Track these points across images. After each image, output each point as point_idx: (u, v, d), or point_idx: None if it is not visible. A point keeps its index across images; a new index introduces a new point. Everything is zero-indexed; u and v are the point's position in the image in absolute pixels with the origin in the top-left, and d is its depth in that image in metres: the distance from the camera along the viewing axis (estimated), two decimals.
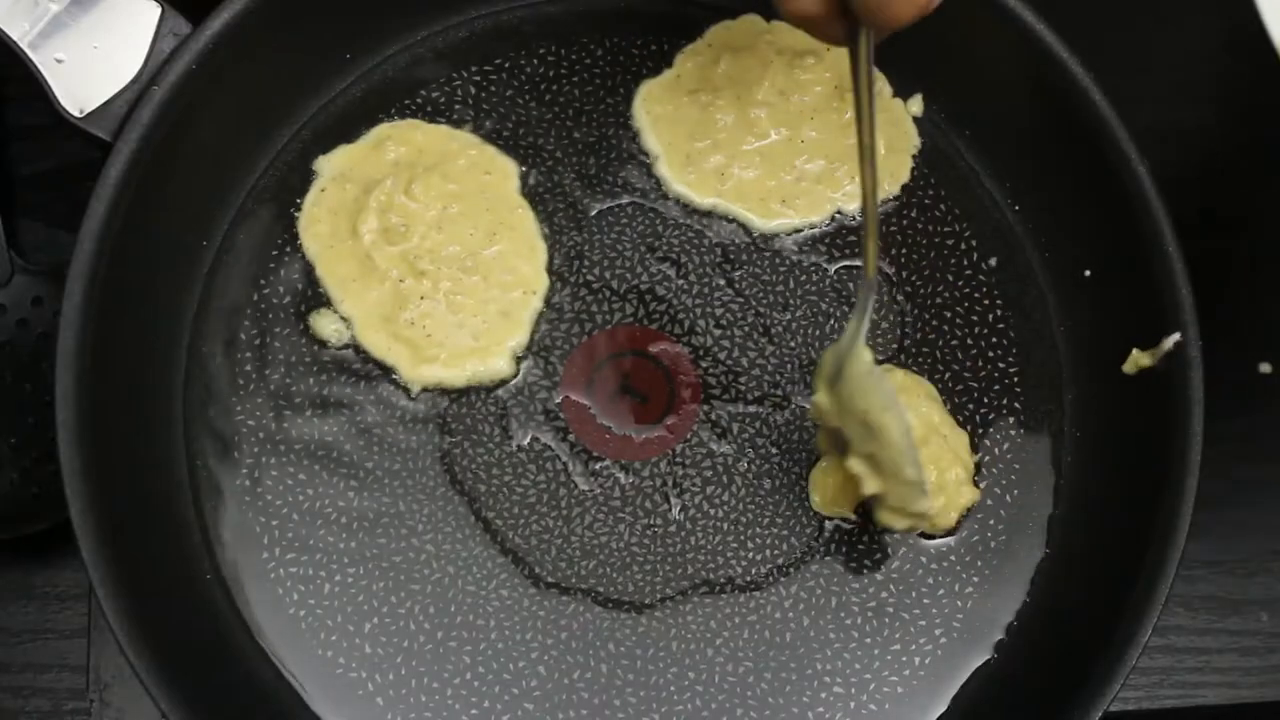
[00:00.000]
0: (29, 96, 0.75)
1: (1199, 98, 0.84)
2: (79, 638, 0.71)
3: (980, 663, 0.68)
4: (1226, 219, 0.82)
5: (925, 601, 0.68)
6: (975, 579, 0.69)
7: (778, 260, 0.72)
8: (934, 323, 0.72)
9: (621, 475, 0.69)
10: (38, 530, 0.69)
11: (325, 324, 0.69)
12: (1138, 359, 0.69)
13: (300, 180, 0.71)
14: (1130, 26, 0.84)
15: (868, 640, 0.68)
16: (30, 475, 0.70)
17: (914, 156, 0.75)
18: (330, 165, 0.71)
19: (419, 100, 0.73)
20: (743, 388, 0.71)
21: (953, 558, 0.69)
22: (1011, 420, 0.71)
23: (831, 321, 0.72)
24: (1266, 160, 0.84)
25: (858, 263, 0.72)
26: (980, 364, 0.72)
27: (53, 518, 0.69)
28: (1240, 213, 0.82)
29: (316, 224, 0.70)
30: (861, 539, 0.69)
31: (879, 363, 0.67)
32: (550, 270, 0.71)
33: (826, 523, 0.69)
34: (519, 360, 0.70)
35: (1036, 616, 0.68)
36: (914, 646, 0.68)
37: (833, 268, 0.72)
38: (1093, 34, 0.70)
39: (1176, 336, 0.67)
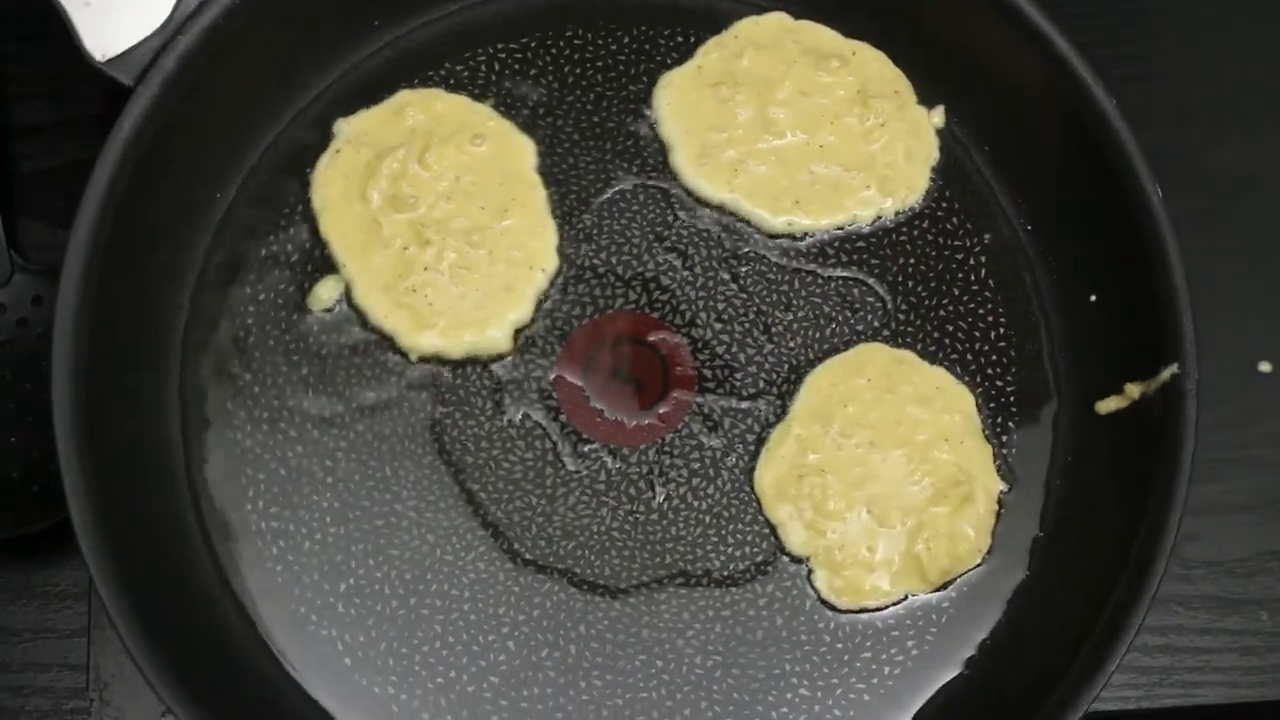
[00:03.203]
0: (29, 96, 0.76)
1: (1201, 103, 0.84)
2: (79, 637, 0.71)
3: (949, 678, 0.68)
4: (1228, 219, 0.82)
5: (900, 611, 0.68)
6: (953, 594, 0.69)
7: (784, 260, 0.72)
8: (935, 334, 0.72)
9: (609, 459, 0.69)
10: (38, 530, 0.69)
11: (328, 287, 0.69)
12: (1131, 392, 0.68)
13: (318, 140, 0.72)
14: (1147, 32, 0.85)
15: (839, 645, 0.68)
16: (30, 475, 0.70)
17: (932, 168, 0.74)
18: (348, 128, 0.72)
19: (443, 72, 0.73)
20: (738, 383, 0.71)
21: None
22: (1004, 439, 0.71)
23: (833, 325, 0.72)
24: (1267, 161, 0.84)
25: (862, 275, 0.72)
26: (978, 380, 0.72)
27: (52, 517, 0.69)
28: (1241, 213, 0.82)
29: (327, 185, 0.70)
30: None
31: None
32: (558, 250, 0.71)
33: None
34: (518, 336, 0.70)
35: (1009, 637, 0.68)
36: (884, 656, 0.68)
37: (839, 273, 0.72)
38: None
39: (1174, 368, 0.66)
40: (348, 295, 0.69)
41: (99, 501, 0.61)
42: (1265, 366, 0.79)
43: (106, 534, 0.61)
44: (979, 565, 0.69)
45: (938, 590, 0.68)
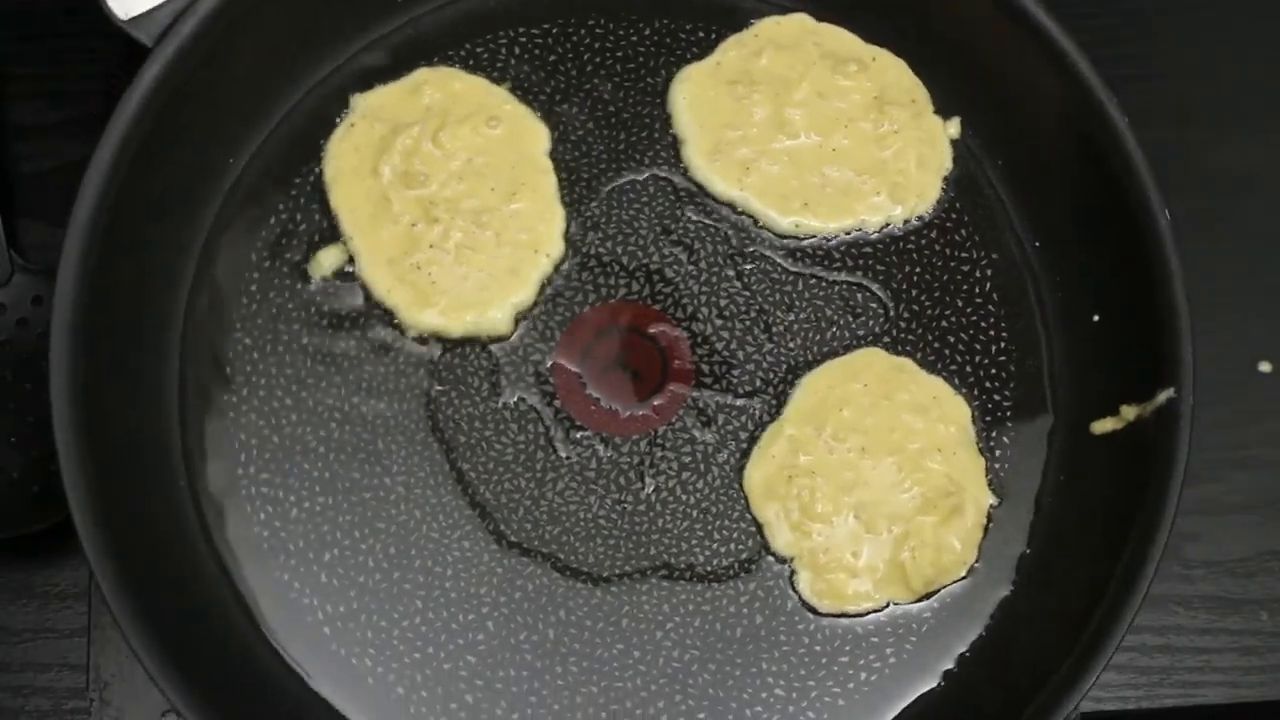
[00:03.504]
0: (29, 96, 0.77)
1: (1201, 103, 0.84)
2: (79, 637, 0.71)
3: (926, 689, 0.68)
4: (1228, 219, 0.82)
5: (881, 619, 0.68)
6: (935, 604, 0.69)
7: (790, 261, 0.72)
8: (935, 344, 0.72)
9: (601, 447, 0.70)
10: (38, 530, 0.69)
11: (331, 255, 0.70)
12: (1126, 414, 0.68)
13: (334, 114, 0.72)
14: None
15: (817, 648, 0.68)
16: (30, 474, 0.70)
17: (944, 179, 0.74)
18: (364, 103, 0.72)
19: (463, 52, 0.74)
20: (735, 380, 0.71)
21: None
22: (998, 454, 0.71)
23: (834, 329, 0.72)
24: (1267, 161, 0.83)
25: (867, 280, 0.72)
26: (975, 392, 0.71)
27: (52, 517, 0.69)
28: (1241, 213, 0.82)
29: (340, 158, 0.71)
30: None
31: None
32: (565, 237, 0.72)
33: None
34: (519, 319, 0.70)
35: (989, 652, 0.68)
36: (862, 661, 0.68)
37: (843, 277, 0.72)
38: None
39: (1170, 392, 0.66)
40: (352, 268, 0.70)
41: (99, 501, 0.61)
42: (1265, 366, 0.79)
43: (107, 533, 0.61)
44: (963, 578, 0.69)
45: (920, 600, 0.68)
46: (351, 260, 0.70)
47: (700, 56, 0.74)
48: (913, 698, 0.68)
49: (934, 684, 0.68)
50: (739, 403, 0.70)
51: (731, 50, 0.74)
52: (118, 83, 0.65)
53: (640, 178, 0.73)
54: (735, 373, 0.71)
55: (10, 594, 0.72)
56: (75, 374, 0.62)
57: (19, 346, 0.72)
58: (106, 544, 0.61)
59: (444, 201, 0.70)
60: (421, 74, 0.73)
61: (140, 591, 0.61)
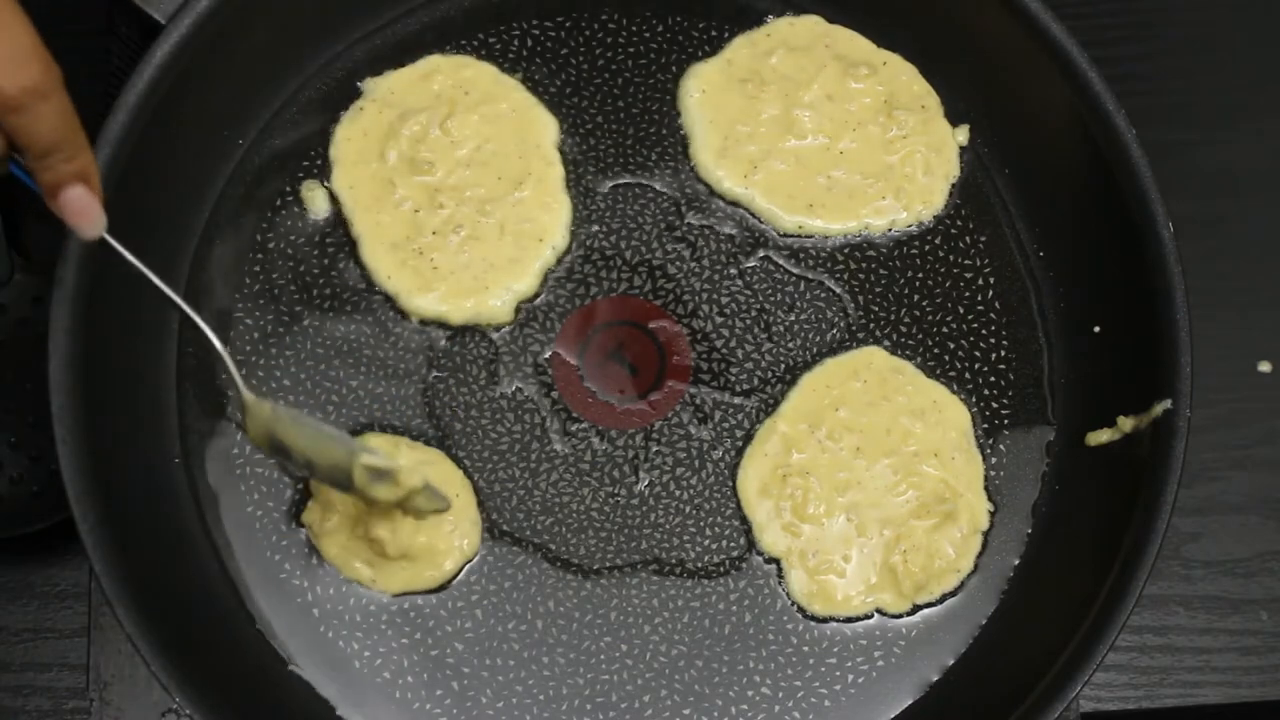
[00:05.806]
0: None
1: (1201, 103, 0.84)
2: (79, 637, 0.71)
3: (911, 695, 0.67)
4: (1228, 219, 0.82)
5: (870, 623, 0.68)
6: (925, 611, 0.68)
7: (793, 261, 0.72)
8: (935, 350, 0.72)
9: (596, 440, 0.69)
10: (38, 530, 0.70)
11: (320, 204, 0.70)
12: (1123, 425, 0.68)
13: (343, 97, 0.72)
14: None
15: (805, 648, 0.67)
16: (30, 474, 0.71)
17: (951, 185, 0.74)
18: (375, 87, 0.72)
19: (475, 42, 0.74)
20: (733, 378, 0.71)
21: None
22: (995, 461, 0.71)
23: (834, 331, 0.71)
24: (1267, 161, 0.83)
25: (870, 284, 0.72)
26: (974, 399, 0.71)
27: (52, 517, 0.69)
28: (1241, 213, 0.82)
29: (346, 142, 0.71)
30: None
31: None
32: (569, 228, 0.72)
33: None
34: (520, 309, 0.70)
35: (976, 659, 0.68)
36: (849, 664, 0.67)
37: (845, 280, 0.72)
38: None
39: (1167, 404, 0.65)
40: (354, 252, 0.70)
41: (99, 501, 0.61)
42: (1265, 366, 0.79)
43: (107, 532, 0.61)
44: (955, 585, 0.69)
45: (911, 606, 0.68)
46: (354, 244, 0.70)
47: (711, 54, 0.74)
48: (898, 702, 0.67)
49: (919, 690, 0.68)
50: (736, 400, 0.70)
51: (743, 49, 0.74)
52: (118, 81, 0.65)
53: (647, 173, 0.73)
54: (734, 370, 0.71)
55: (10, 594, 0.72)
56: (75, 373, 0.62)
57: (19, 346, 0.72)
58: (106, 543, 0.61)
59: (449, 189, 0.70)
60: (433, 60, 0.73)
61: (141, 589, 0.61)
